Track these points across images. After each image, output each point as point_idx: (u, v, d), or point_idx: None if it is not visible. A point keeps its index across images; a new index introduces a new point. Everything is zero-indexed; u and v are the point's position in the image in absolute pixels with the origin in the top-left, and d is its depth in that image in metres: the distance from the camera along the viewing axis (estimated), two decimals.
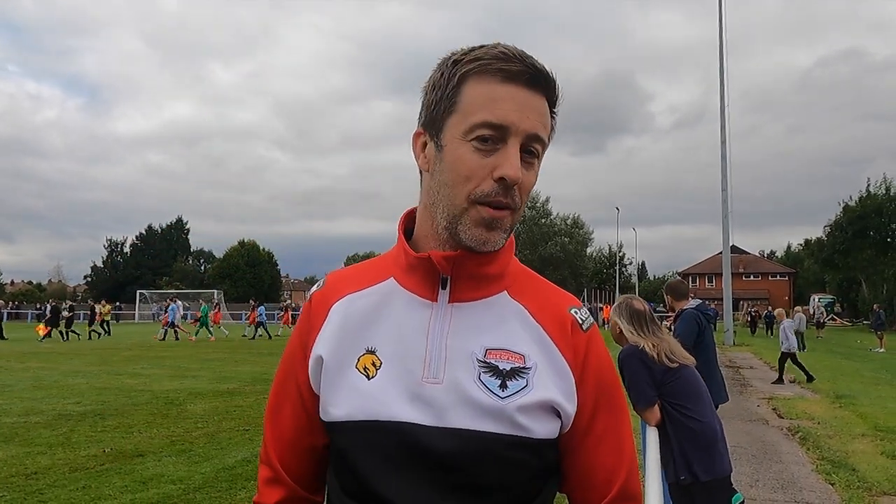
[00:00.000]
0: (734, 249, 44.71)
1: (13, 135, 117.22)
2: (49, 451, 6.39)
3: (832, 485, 5.79)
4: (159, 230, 75.17)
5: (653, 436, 3.12)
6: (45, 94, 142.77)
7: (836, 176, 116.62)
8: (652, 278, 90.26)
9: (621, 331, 3.43)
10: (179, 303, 27.69)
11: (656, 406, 3.26)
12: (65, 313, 25.77)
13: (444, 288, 1.01)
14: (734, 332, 26.97)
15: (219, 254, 73.37)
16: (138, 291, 49.05)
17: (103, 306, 31.22)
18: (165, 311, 26.42)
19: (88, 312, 28.98)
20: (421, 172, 1.05)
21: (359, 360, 1.00)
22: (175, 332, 24.92)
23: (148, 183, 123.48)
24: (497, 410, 0.95)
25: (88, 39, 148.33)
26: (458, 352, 0.98)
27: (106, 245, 72.72)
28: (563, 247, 61.07)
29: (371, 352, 1.00)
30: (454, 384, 0.96)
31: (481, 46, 0.98)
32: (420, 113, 1.04)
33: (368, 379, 0.98)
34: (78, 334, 25.51)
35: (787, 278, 72.22)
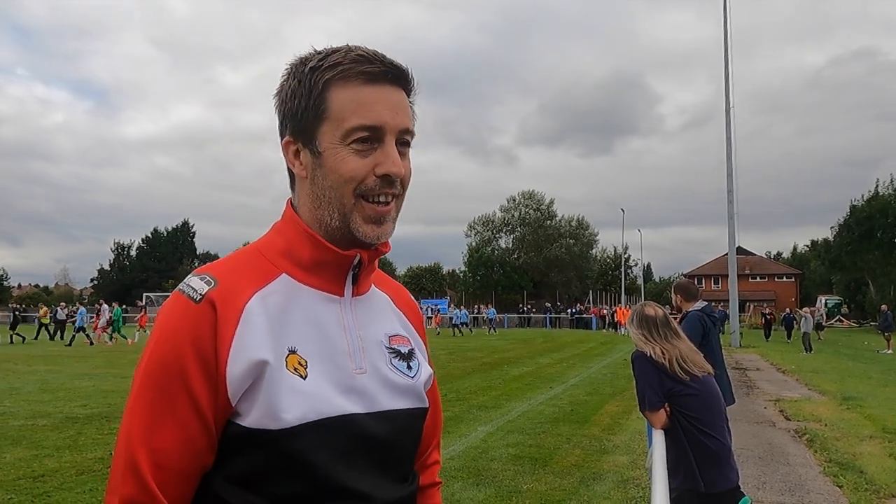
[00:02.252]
0: (740, 251, 44.53)
1: (22, 138, 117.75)
2: (56, 454, 6.43)
3: (840, 487, 5.76)
4: (165, 233, 75.44)
5: (658, 438, 3.10)
6: (54, 98, 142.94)
7: (845, 176, 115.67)
8: (658, 280, 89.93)
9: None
10: (105, 307, 26.22)
11: (661, 410, 3.23)
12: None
13: (354, 283, 1.09)
14: (740, 333, 26.88)
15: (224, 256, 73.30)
16: (144, 294, 49.19)
17: (40, 308, 29.71)
18: (97, 315, 25.82)
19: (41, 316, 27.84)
20: (293, 179, 1.09)
21: (286, 361, 0.99)
22: (87, 335, 24.38)
23: (155, 186, 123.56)
24: (410, 388, 1.11)
25: (97, 43, 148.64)
26: (370, 342, 1.09)
27: (113, 248, 73.00)
28: (568, 248, 61.00)
29: (293, 351, 1.01)
30: (375, 371, 1.07)
31: (335, 51, 1.03)
32: (281, 122, 1.07)
33: (303, 379, 0.99)
34: (23, 337, 25.42)
35: (793, 279, 71.88)
